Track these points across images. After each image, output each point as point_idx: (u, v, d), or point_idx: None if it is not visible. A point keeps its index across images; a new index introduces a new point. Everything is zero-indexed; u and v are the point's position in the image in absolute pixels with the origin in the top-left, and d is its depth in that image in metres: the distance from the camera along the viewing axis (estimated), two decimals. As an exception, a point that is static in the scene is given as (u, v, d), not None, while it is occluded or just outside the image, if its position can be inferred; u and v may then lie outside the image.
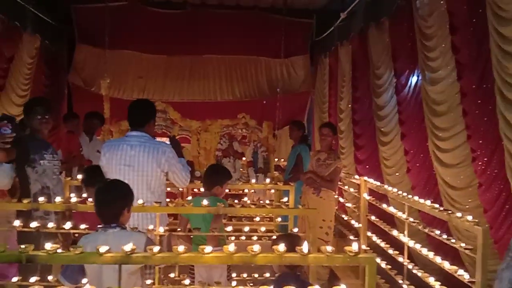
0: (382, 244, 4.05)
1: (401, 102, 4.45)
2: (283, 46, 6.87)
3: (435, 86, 3.82)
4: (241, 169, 6.02)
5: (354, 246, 1.84)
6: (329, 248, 1.82)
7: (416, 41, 4.09)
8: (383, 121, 4.86)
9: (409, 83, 4.40)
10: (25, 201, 2.76)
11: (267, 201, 4.58)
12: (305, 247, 1.81)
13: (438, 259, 2.91)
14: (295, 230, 3.15)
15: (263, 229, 3.02)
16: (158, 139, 3.40)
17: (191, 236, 3.04)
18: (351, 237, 4.99)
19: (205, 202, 2.79)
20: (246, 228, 2.94)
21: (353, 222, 5.06)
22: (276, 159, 6.44)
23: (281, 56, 7.33)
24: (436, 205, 3.17)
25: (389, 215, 4.49)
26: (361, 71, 5.56)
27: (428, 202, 3.21)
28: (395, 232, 3.75)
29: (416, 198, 3.47)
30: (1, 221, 2.88)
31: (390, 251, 3.82)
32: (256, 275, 3.43)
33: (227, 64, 7.73)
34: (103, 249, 1.72)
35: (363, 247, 4.55)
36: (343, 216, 5.37)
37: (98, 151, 5.26)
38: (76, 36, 7.44)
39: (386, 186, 4.06)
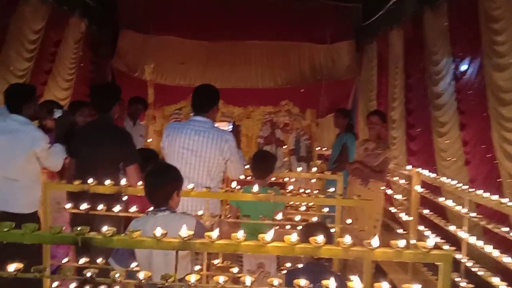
0: (437, 239, 3.80)
1: (460, 90, 4.16)
2: (327, 31, 6.64)
3: (502, 73, 3.52)
4: (283, 158, 5.89)
5: (430, 242, 1.67)
6: (400, 243, 1.66)
7: (480, 24, 3.78)
8: (440, 111, 4.57)
9: (470, 70, 4.08)
10: (76, 182, 2.74)
11: (315, 191, 4.43)
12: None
13: (508, 259, 2.67)
14: (348, 221, 2.98)
15: (314, 218, 2.87)
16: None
17: (240, 226, 2.93)
18: (399, 231, 4.75)
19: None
20: (297, 217, 2.82)
21: (401, 215, 4.81)
22: (318, 148, 6.26)
23: (325, 42, 7.09)
24: (505, 200, 2.91)
25: (440, 209, 4.24)
26: (415, 57, 5.25)
27: (496, 197, 2.95)
28: (452, 227, 3.50)
29: (479, 191, 3.22)
30: (50, 203, 2.86)
31: (446, 247, 3.58)
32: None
33: (270, 50, 7.54)
34: (158, 232, 1.63)
35: (413, 241, 4.31)
36: (390, 208, 5.12)
37: (142, 136, 5.30)
38: (120, 21, 7.47)
39: (443, 179, 3.80)
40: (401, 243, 1.65)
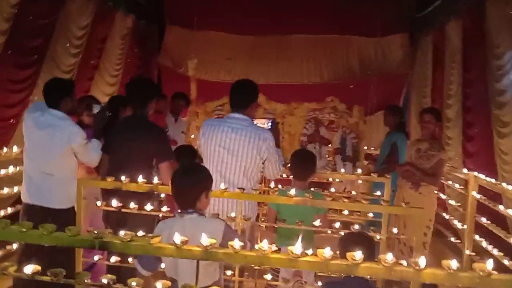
0: (495, 252, 3.43)
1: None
2: (378, 23, 6.26)
3: None
4: (327, 157, 5.63)
5: (489, 265, 1.41)
6: (453, 264, 1.42)
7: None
8: (503, 109, 4.13)
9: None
10: (109, 179, 2.68)
11: (361, 193, 4.17)
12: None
13: None
14: (394, 230, 2.72)
15: (356, 226, 2.64)
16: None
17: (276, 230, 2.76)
18: (452, 239, 4.37)
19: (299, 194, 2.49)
20: (337, 224, 2.60)
21: (455, 222, 4.43)
22: (366, 147, 5.93)
23: (375, 35, 6.70)
24: None
25: (499, 218, 3.84)
26: (475, 50, 4.80)
27: None
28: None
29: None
30: (89, 198, 2.84)
31: (506, 262, 3.21)
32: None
33: (315, 44, 7.23)
34: (177, 239, 1.50)
35: (467, 252, 3.95)
36: (443, 214, 4.73)
37: (183, 132, 5.26)
38: (166, 17, 7.50)
39: (504, 184, 3.41)
40: (454, 263, 1.41)
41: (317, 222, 2.57)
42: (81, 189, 2.74)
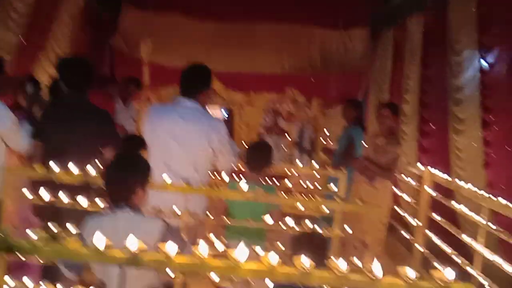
0: (449, 250, 3.41)
1: (488, 85, 3.70)
2: (341, 16, 6.17)
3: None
4: (285, 149, 5.49)
5: (448, 274, 1.30)
6: (410, 273, 1.29)
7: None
8: (460, 106, 4.12)
9: (500, 62, 3.63)
10: (38, 168, 2.39)
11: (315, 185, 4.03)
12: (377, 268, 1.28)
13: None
14: (348, 229, 2.59)
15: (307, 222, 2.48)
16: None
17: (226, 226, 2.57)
18: (405, 235, 4.34)
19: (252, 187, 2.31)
20: (291, 222, 2.44)
21: (408, 218, 4.42)
22: (323, 141, 5.85)
23: (338, 28, 6.61)
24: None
25: (450, 215, 3.85)
26: (436, 46, 4.77)
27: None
28: (467, 238, 3.10)
29: (502, 200, 2.81)
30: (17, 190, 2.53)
31: (458, 260, 3.19)
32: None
33: (278, 33, 7.05)
34: (99, 241, 1.28)
35: (418, 247, 3.93)
36: (397, 208, 4.71)
37: (133, 119, 4.94)
38: (122, -2, 7.09)
39: (460, 182, 3.39)
40: (411, 272, 1.29)
41: (269, 219, 2.40)
42: (7, 179, 2.45)
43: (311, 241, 1.94)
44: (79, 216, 2.41)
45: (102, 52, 7.11)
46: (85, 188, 2.49)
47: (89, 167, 2.40)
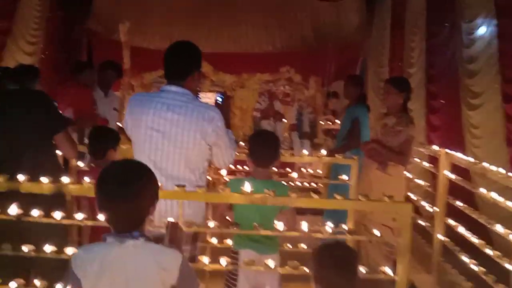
0: (474, 240, 3.07)
1: (507, 53, 3.32)
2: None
3: None
4: (282, 133, 5.09)
5: None
6: None
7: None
8: (474, 78, 3.75)
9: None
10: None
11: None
12: None
13: None
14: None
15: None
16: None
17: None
18: (421, 222, 4.01)
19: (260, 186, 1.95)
20: (304, 226, 2.06)
21: (423, 203, 4.07)
22: (323, 122, 5.47)
23: (330, -1, 6.16)
24: None
25: (468, 199, 3.52)
26: (441, 13, 4.38)
27: None
28: (500, 229, 2.75)
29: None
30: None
31: (490, 252, 2.85)
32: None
33: (267, 8, 6.56)
34: None
35: (439, 236, 3.61)
36: (411, 195, 4.36)
37: (115, 109, 4.47)
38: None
39: (485, 164, 3.03)
40: None
41: (280, 225, 2.01)
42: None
43: (340, 258, 1.57)
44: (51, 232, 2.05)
45: (77, 35, 6.56)
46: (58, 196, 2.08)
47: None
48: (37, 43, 5.50)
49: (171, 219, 1.97)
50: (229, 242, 2.52)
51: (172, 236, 1.64)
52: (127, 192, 1.33)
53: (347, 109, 4.44)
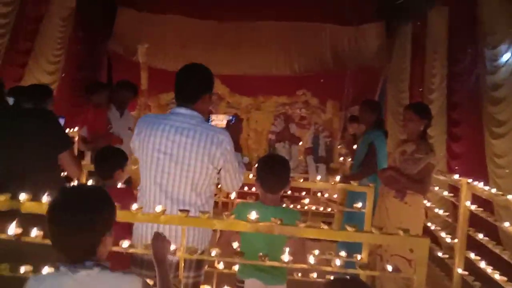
0: (497, 276, 2.88)
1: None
2: (353, 11, 5.69)
3: None
4: (297, 157, 4.99)
5: None
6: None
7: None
8: (499, 106, 3.61)
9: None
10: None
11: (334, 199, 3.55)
12: None
13: None
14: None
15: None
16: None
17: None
18: (440, 254, 3.81)
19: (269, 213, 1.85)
20: (311, 259, 1.95)
21: (442, 234, 3.87)
22: (340, 147, 5.34)
23: (350, 24, 6.12)
24: None
25: (488, 228, 3.32)
26: (464, 39, 4.28)
27: None
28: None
29: None
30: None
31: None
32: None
33: (286, 32, 6.57)
34: None
35: (459, 270, 3.41)
36: (429, 224, 4.16)
37: (130, 129, 4.46)
38: (117, -2, 6.67)
39: (510, 196, 2.86)
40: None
41: (286, 256, 1.90)
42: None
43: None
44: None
45: (99, 57, 6.68)
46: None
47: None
48: (58, 63, 5.60)
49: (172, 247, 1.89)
50: (236, 268, 2.41)
51: (156, 248, 1.66)
52: (76, 220, 1.27)
53: (364, 135, 4.32)
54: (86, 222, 1.28)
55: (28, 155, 2.29)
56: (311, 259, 1.97)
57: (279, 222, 1.82)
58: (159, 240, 1.73)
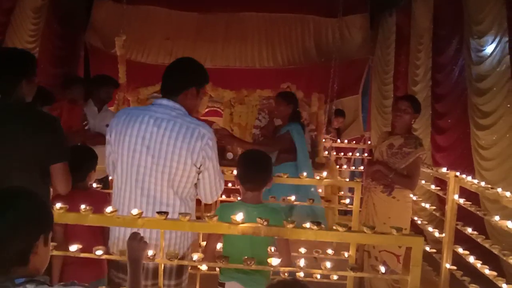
0: (486, 271, 2.84)
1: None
2: (337, 2, 5.61)
3: None
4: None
5: None
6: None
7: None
8: (484, 97, 3.56)
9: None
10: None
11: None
12: None
13: None
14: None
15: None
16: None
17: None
18: (428, 249, 3.77)
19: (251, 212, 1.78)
20: (301, 262, 1.86)
21: (430, 229, 3.84)
22: (324, 140, 5.26)
23: (334, 15, 6.02)
24: None
25: (477, 225, 3.30)
26: (449, 29, 4.22)
27: None
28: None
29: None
30: None
31: (504, 285, 2.62)
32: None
33: (269, 23, 6.45)
34: None
35: (447, 265, 3.38)
36: (416, 218, 4.12)
37: (108, 125, 4.28)
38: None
39: (500, 190, 2.81)
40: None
41: (275, 260, 1.80)
42: None
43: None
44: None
45: (75, 50, 6.43)
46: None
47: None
48: (32, 57, 5.37)
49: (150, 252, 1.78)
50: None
51: (131, 249, 1.60)
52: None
53: (281, 129, 4.15)
54: (6, 231, 1.13)
55: (16, 169, 2.04)
56: (301, 262, 1.87)
57: (265, 223, 1.71)
58: (136, 240, 1.64)
